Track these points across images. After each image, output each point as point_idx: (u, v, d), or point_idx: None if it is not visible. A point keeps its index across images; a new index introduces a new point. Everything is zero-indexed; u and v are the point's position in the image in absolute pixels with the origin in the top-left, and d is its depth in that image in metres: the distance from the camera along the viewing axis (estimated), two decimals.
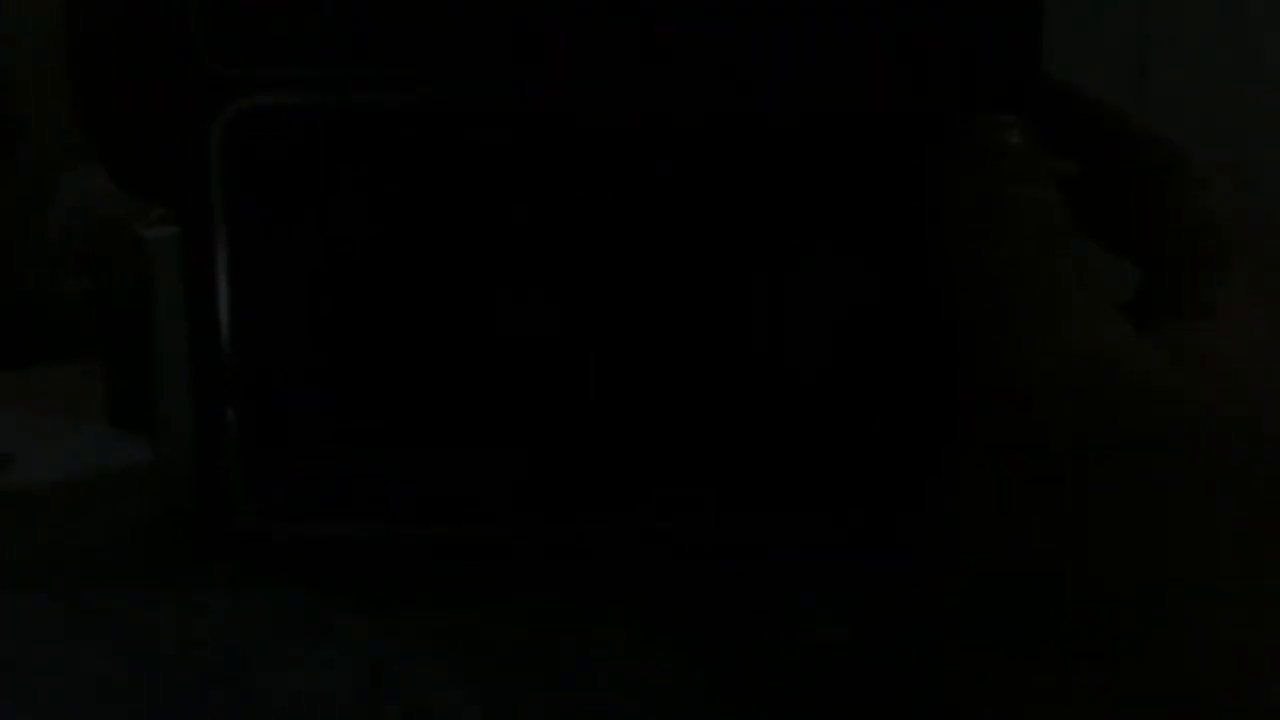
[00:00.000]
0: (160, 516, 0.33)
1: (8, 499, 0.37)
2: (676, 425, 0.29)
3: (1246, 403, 0.24)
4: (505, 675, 0.27)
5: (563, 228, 0.28)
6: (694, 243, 0.28)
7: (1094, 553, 0.23)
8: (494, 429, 0.29)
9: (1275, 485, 0.23)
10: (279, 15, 0.28)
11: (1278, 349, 0.25)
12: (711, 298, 0.28)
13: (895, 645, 0.28)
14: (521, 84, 0.27)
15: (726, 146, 0.28)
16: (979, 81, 0.27)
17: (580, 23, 0.27)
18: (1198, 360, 0.24)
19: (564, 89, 0.28)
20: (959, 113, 0.27)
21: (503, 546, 0.29)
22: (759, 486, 0.29)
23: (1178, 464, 0.23)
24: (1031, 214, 0.25)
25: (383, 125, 0.28)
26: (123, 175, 0.34)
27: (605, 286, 0.28)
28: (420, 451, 0.29)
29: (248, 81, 0.28)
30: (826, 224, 0.28)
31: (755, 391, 0.29)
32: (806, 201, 0.28)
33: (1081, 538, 0.23)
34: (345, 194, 0.28)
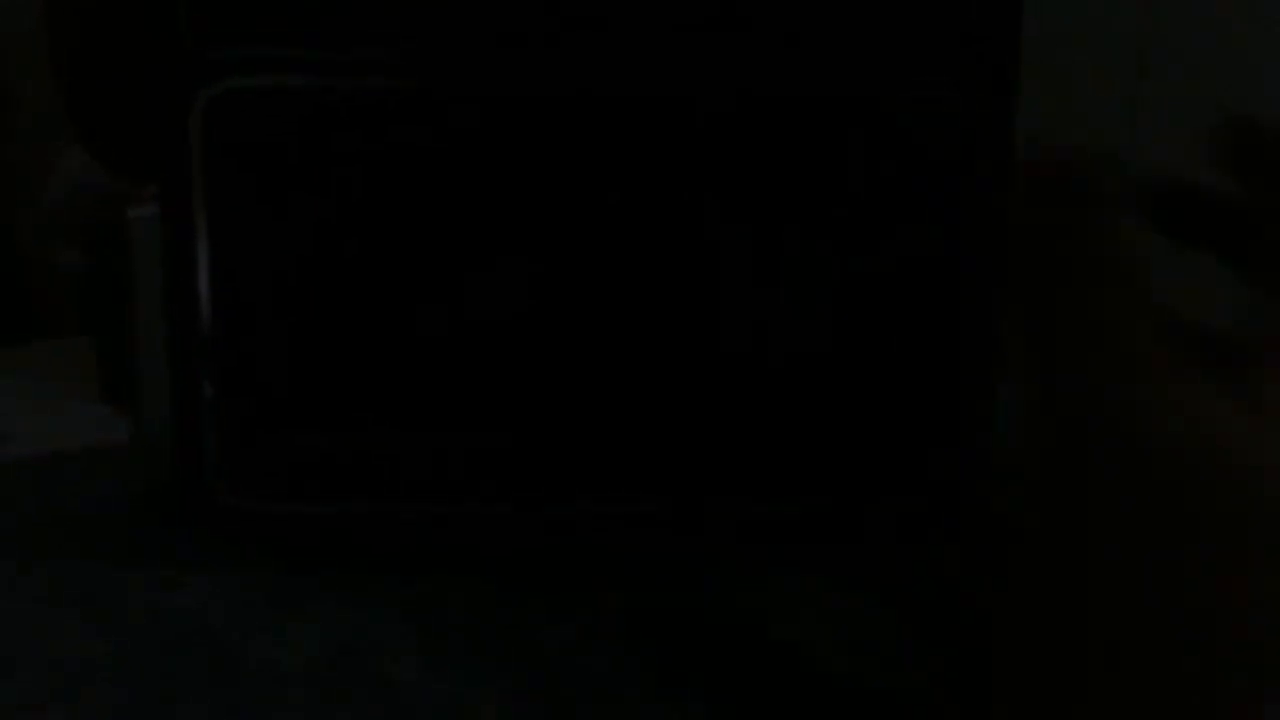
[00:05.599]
0: (141, 492, 0.33)
1: None
2: (661, 410, 0.29)
3: None
4: (468, 650, 0.27)
5: (548, 210, 0.28)
6: (684, 227, 0.28)
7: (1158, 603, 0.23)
8: (471, 411, 0.29)
9: None
10: None
11: None
12: (707, 283, 0.29)
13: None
14: (505, 67, 0.28)
15: (711, 128, 0.28)
16: (964, 65, 0.27)
17: (568, 6, 0.28)
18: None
19: (549, 72, 0.28)
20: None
21: (480, 525, 0.30)
22: (739, 471, 0.29)
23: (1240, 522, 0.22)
24: (1115, 262, 0.24)
25: (365, 107, 0.28)
26: (105, 155, 0.34)
27: (590, 270, 0.29)
28: (396, 431, 0.29)
29: (231, 62, 0.28)
30: (819, 207, 0.28)
31: (751, 378, 0.29)
32: (795, 183, 0.28)
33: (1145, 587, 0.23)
34: (326, 175, 0.28)
